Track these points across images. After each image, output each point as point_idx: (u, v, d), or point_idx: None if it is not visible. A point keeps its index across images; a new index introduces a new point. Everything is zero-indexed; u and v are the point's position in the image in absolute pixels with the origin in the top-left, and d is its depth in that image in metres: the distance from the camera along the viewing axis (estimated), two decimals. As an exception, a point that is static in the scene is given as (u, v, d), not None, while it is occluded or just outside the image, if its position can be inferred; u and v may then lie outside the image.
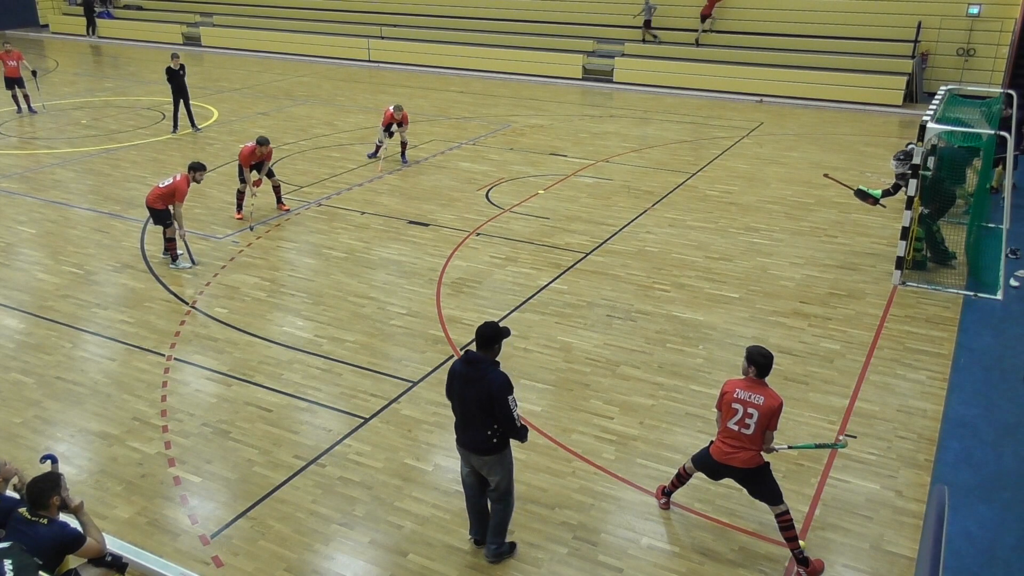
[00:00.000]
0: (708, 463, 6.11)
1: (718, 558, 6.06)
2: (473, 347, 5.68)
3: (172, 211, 10.90)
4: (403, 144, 16.10)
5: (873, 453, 7.24)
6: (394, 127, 15.68)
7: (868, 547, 6.17)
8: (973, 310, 10.07)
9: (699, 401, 8.01)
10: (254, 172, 12.91)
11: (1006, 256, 11.61)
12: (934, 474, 6.97)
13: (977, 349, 9.12)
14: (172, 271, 11.00)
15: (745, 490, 6.11)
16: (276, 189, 13.33)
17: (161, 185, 10.91)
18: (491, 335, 5.57)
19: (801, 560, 5.86)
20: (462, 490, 6.12)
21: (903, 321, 9.72)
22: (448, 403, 5.86)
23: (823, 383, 8.37)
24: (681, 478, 6.44)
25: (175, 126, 18.50)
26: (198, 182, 11.19)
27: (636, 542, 6.23)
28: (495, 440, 5.62)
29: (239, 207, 13.04)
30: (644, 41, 25.94)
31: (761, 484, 5.92)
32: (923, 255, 11.16)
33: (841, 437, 7.39)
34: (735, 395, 5.88)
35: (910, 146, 10.91)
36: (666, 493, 6.56)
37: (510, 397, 5.48)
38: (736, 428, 5.84)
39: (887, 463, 7.10)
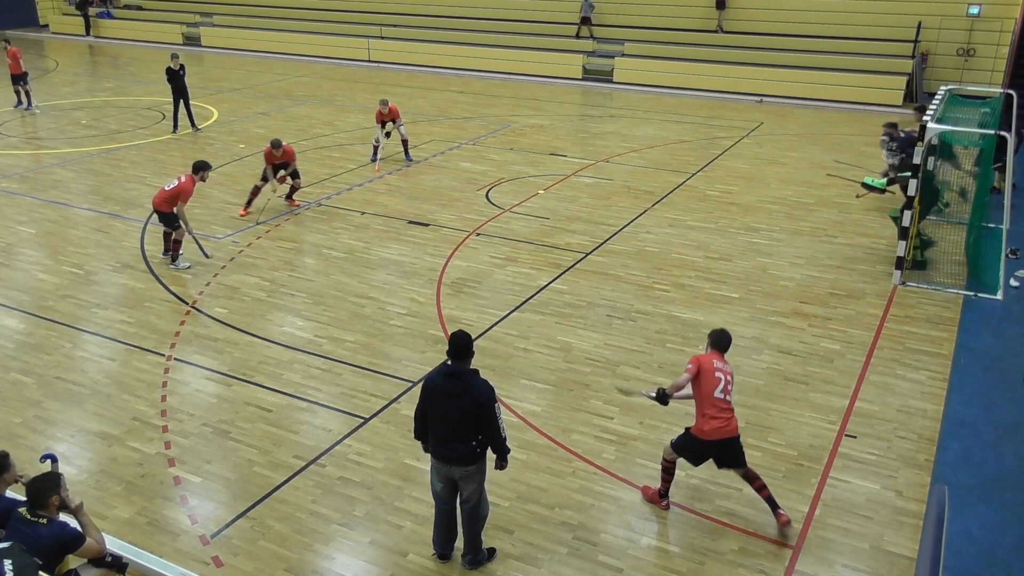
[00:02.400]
0: (697, 447, 6.23)
1: (718, 558, 6.06)
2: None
3: (176, 211, 10.88)
4: (404, 142, 16.10)
5: (873, 453, 7.24)
6: (388, 124, 15.69)
7: (868, 547, 6.17)
8: (973, 310, 10.07)
9: (699, 401, 8.00)
10: (280, 171, 13.08)
11: (1006, 256, 11.60)
12: (934, 474, 6.97)
13: (977, 349, 9.12)
14: (172, 271, 11.00)
15: (728, 468, 6.34)
16: (293, 187, 13.44)
17: (167, 188, 10.89)
18: (466, 343, 5.48)
19: (773, 504, 6.28)
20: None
21: (903, 321, 9.72)
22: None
23: (823, 383, 8.37)
24: (668, 471, 6.47)
25: (175, 126, 18.51)
26: (204, 181, 11.21)
27: (636, 542, 6.23)
28: (479, 450, 5.58)
29: (248, 203, 13.08)
30: (578, 36, 26.38)
31: (741, 448, 6.25)
32: (922, 255, 11.16)
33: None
34: (714, 365, 6.20)
35: (899, 132, 10.88)
36: (663, 494, 6.55)
37: (496, 405, 5.49)
38: (722, 396, 6.13)
39: (887, 463, 7.10)
